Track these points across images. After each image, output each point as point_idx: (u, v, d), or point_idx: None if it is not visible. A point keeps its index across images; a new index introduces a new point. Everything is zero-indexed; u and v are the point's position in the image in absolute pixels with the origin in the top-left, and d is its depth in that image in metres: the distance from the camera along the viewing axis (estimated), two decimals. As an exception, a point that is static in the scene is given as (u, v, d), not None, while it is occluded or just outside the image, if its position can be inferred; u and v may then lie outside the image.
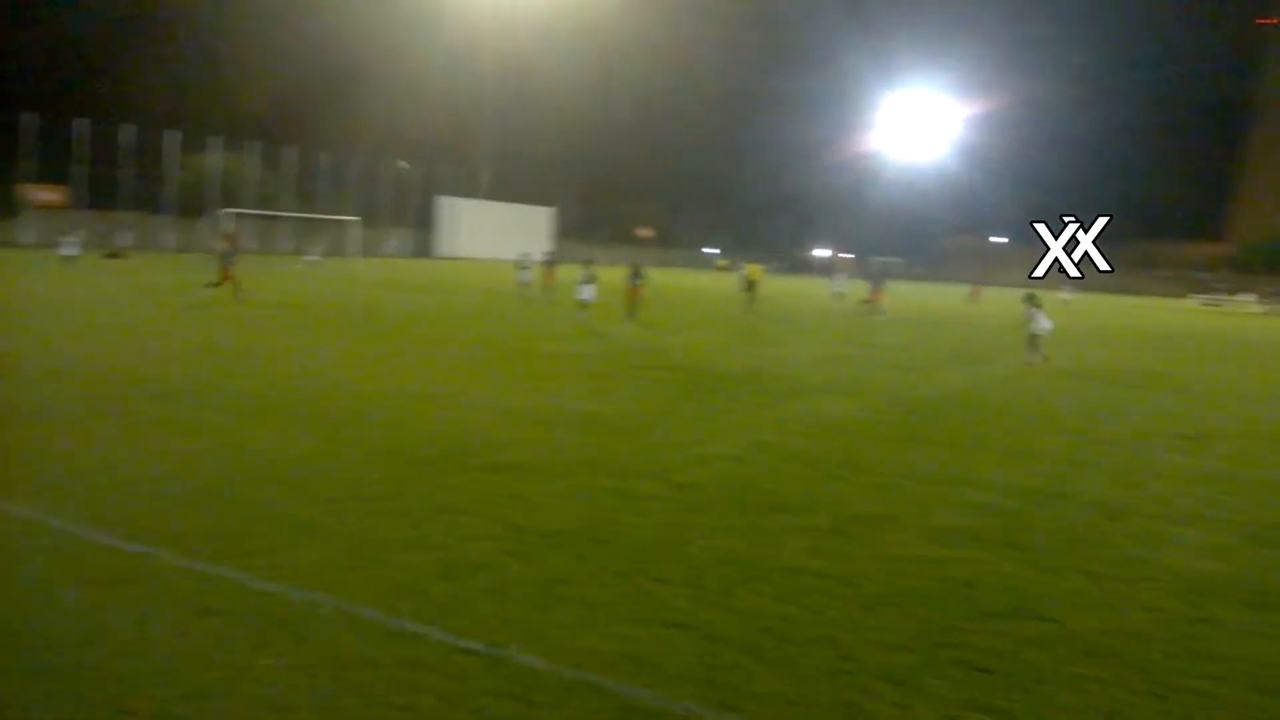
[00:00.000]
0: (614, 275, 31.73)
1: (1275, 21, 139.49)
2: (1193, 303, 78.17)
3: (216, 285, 28.21)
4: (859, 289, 44.76)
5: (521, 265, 38.54)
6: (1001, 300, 60.75)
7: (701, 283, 67.23)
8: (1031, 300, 23.02)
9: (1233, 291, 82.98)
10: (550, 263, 39.44)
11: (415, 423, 11.53)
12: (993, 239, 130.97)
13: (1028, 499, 9.54)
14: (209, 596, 5.88)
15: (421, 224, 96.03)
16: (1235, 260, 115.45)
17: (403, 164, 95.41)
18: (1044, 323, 22.56)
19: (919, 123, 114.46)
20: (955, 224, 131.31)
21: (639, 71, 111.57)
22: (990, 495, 9.59)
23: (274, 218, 72.54)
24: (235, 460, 9.25)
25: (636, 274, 29.56)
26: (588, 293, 27.27)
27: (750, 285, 38.21)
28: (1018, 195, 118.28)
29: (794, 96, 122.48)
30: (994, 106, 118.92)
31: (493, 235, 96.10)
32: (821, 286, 67.38)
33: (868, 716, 4.85)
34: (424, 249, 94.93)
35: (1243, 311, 71.83)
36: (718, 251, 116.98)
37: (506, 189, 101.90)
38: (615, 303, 30.24)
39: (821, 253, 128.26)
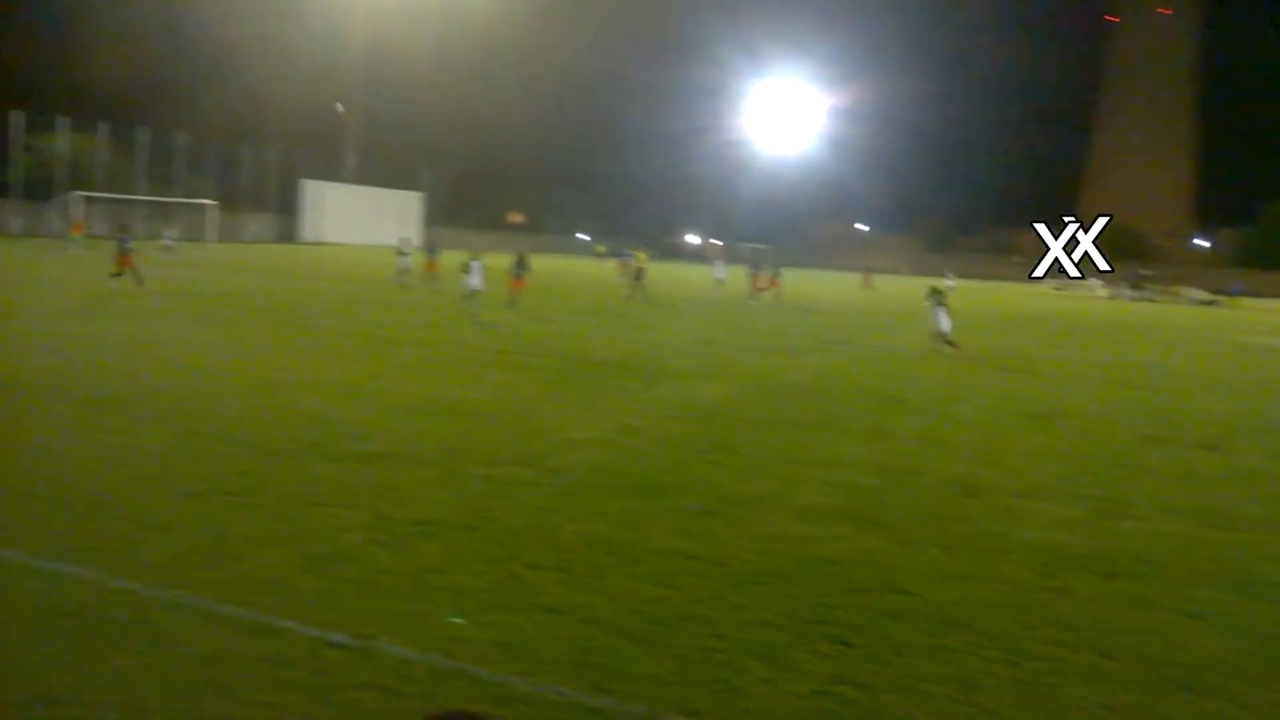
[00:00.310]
0: (493, 263, 31.38)
1: (1119, 20, 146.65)
2: (1045, 287, 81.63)
3: (117, 275, 26.44)
4: (743, 276, 45.13)
5: (401, 251, 37.51)
6: (896, 286, 62.36)
7: (581, 269, 67.14)
8: (935, 296, 22.91)
9: (1083, 277, 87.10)
10: (432, 250, 38.88)
11: (278, 413, 11.20)
12: (857, 226, 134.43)
13: (888, 477, 9.84)
14: (59, 596, 5.61)
15: (285, 209, 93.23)
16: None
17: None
18: (944, 322, 22.34)
19: (785, 112, 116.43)
20: (821, 211, 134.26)
21: (508, 56, 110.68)
22: (853, 474, 9.86)
23: (126, 201, 69.37)
24: (86, 455, 8.83)
25: (521, 263, 29.56)
26: (476, 280, 26.91)
27: (638, 273, 38.16)
28: (880, 184, 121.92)
29: (664, 85, 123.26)
30: (857, 98, 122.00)
31: (359, 220, 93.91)
32: (698, 273, 68.05)
33: (738, 693, 4.94)
34: (288, 234, 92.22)
35: (1091, 296, 75.40)
36: (588, 238, 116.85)
37: (373, 173, 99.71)
38: (497, 290, 29.93)
39: (692, 239, 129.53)
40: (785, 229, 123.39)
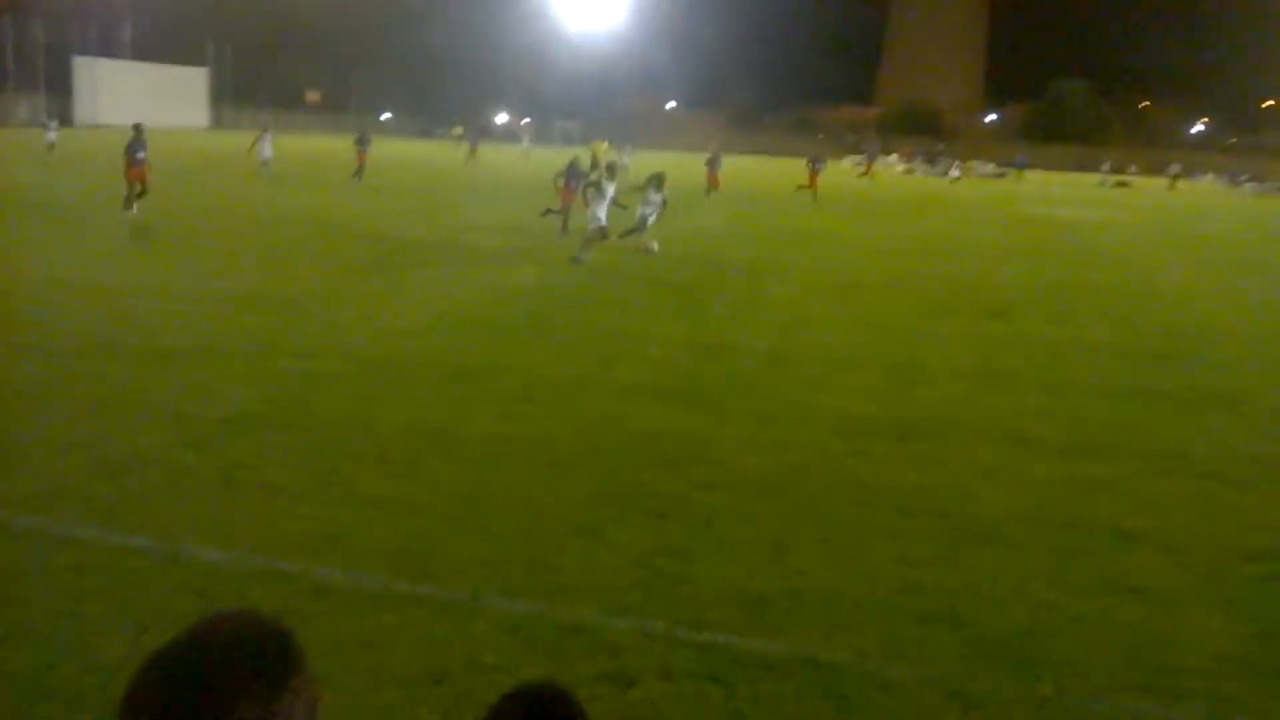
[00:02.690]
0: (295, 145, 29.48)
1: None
2: (846, 164, 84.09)
3: None
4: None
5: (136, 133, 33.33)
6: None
7: (430, 153, 64.74)
8: (656, 182, 19.52)
9: (885, 153, 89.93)
10: (363, 141, 33.26)
11: (67, 314, 10.48)
12: (669, 105, 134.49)
13: (701, 353, 10.10)
14: None
15: (56, 89, 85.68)
16: (882, 123, 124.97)
17: None
18: (652, 207, 19.07)
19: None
20: (631, 89, 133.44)
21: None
22: (667, 351, 10.07)
23: None
24: None
25: (364, 139, 31.91)
26: (268, 150, 26.02)
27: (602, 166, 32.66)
28: (687, 62, 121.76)
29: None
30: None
31: (139, 100, 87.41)
32: (511, 152, 66.66)
33: (558, 570, 5.05)
34: (65, 118, 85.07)
35: (888, 171, 78.11)
36: (388, 116, 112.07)
37: (153, 49, 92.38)
38: (312, 174, 28.65)
39: (502, 118, 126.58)
40: (597, 105, 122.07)
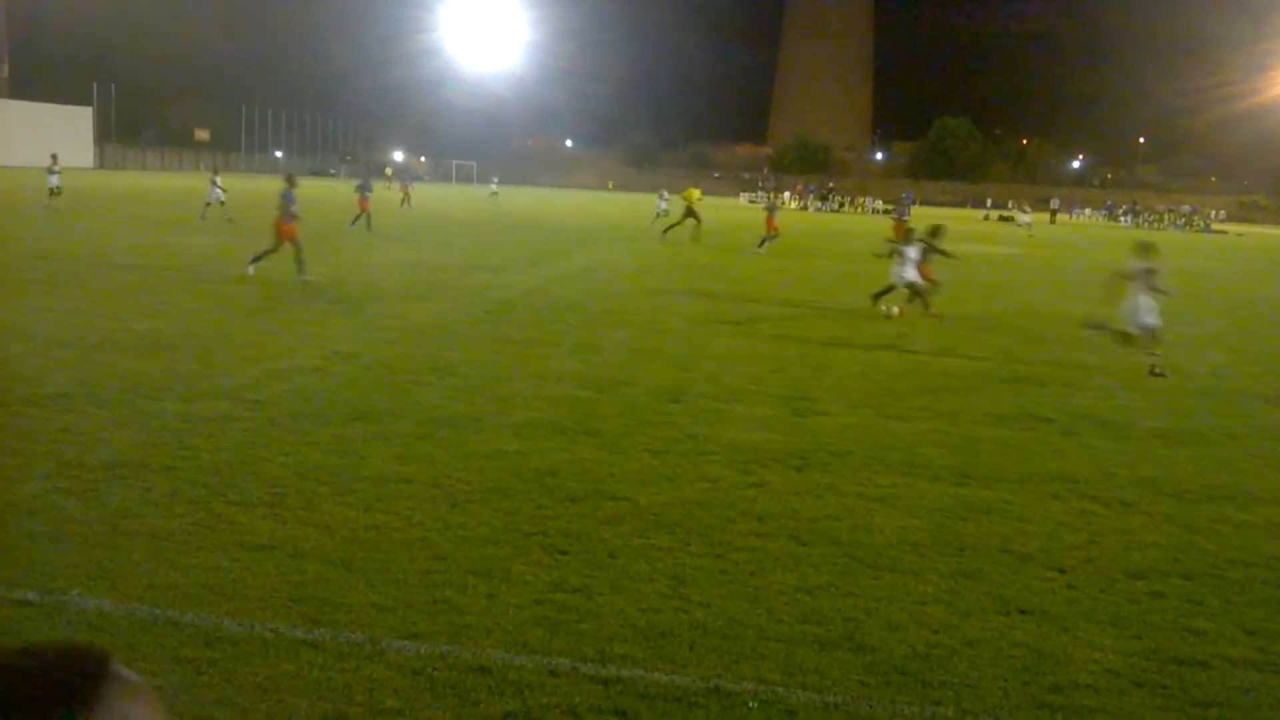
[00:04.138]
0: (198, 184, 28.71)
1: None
2: (743, 200, 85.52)
3: None
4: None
5: (50, 170, 32.40)
6: (604, 203, 62.95)
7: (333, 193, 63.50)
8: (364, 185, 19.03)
9: (779, 190, 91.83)
10: (364, 186, 32.60)
11: (-68, 356, 10.01)
12: (566, 143, 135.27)
13: (598, 388, 10.11)
14: None
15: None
16: (775, 161, 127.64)
17: None
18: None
19: (490, 28, 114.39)
20: (527, 128, 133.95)
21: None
22: (565, 388, 10.06)
23: None
24: None
25: (365, 185, 32.09)
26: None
27: (690, 212, 33.30)
28: (583, 102, 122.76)
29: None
30: (558, 15, 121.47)
31: (20, 140, 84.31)
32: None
33: (460, 610, 4.97)
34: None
35: (783, 207, 79.59)
36: (280, 155, 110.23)
37: (33, 87, 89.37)
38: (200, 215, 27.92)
39: (398, 157, 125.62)
40: (492, 144, 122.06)
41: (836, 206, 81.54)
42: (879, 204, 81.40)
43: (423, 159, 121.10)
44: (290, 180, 18.15)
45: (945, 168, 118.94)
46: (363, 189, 31.89)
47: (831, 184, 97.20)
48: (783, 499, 6.98)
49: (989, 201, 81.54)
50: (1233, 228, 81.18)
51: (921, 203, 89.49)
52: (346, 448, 7.60)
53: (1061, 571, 5.93)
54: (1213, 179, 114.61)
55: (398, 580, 5.28)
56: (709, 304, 17.33)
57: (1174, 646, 5.04)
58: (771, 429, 8.90)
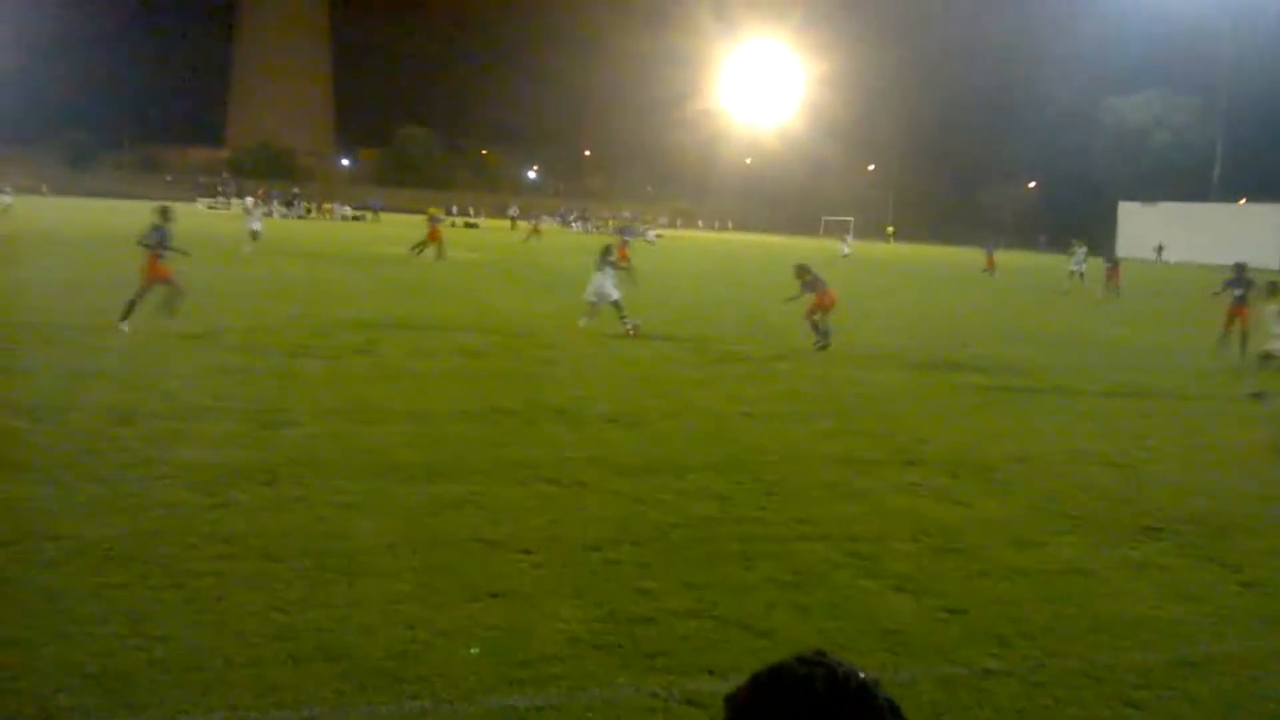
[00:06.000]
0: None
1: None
2: (200, 206, 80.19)
3: None
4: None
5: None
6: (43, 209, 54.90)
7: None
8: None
9: (240, 194, 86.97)
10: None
11: None
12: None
13: (35, 416, 9.01)
14: None
15: None
16: (235, 164, 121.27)
17: None
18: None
19: None
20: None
21: None
22: (-8, 419, 8.83)
23: None
24: None
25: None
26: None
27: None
28: (7, 98, 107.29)
29: None
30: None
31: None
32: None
33: None
34: None
35: (244, 213, 75.99)
36: None
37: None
38: None
39: None
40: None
41: (304, 213, 79.38)
42: (347, 210, 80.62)
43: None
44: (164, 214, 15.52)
45: (411, 175, 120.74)
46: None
47: (297, 189, 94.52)
48: (251, 516, 6.70)
49: (454, 209, 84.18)
50: (668, 232, 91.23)
51: (392, 209, 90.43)
52: None
53: (528, 553, 6.30)
54: (649, 188, 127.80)
55: None
56: (153, 316, 16.00)
57: (627, 608, 5.58)
58: (236, 444, 8.49)
